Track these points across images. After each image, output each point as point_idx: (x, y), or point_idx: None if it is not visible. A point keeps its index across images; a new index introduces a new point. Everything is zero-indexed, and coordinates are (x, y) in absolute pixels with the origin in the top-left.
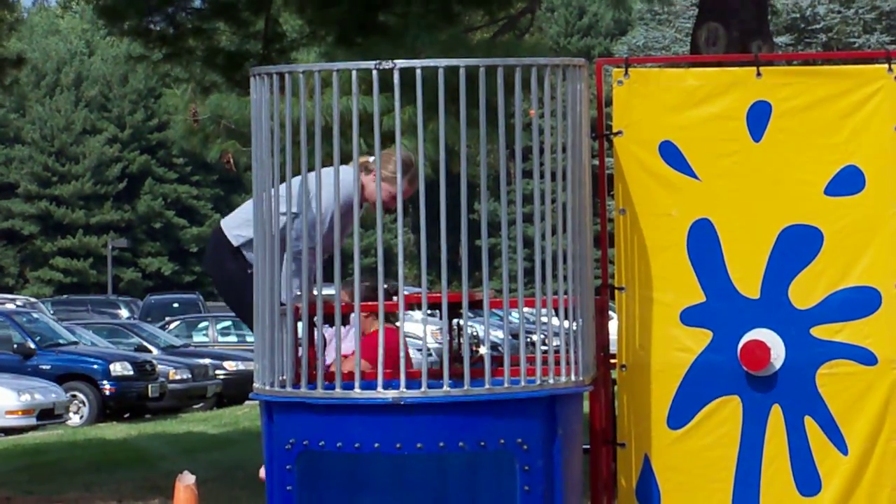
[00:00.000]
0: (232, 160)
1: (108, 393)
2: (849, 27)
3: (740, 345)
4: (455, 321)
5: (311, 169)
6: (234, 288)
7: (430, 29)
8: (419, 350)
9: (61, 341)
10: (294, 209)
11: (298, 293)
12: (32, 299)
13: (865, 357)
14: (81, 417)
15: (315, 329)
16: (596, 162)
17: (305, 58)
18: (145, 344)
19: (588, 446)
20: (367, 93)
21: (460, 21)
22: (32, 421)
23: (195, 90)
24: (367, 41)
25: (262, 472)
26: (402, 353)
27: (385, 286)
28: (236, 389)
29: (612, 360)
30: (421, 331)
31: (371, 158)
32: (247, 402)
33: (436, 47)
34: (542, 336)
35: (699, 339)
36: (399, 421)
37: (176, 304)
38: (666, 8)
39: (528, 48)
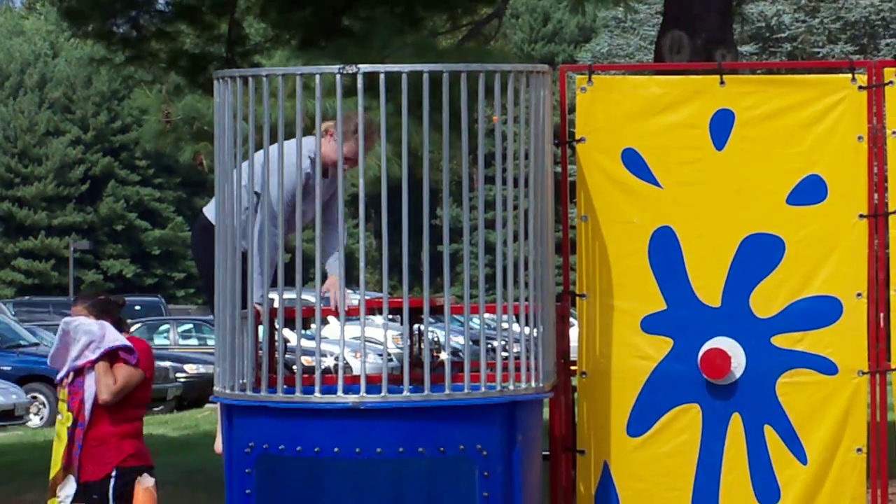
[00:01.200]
0: (204, 161)
1: None
2: (813, 37)
3: (701, 353)
4: (416, 326)
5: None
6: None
7: (394, 33)
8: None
9: (22, 342)
10: (256, 188)
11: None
12: None
13: (826, 366)
14: (42, 419)
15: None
16: (558, 168)
17: (278, 60)
18: None
19: (548, 453)
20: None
21: (424, 26)
22: None
23: (168, 91)
24: (332, 44)
25: (218, 445)
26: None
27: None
28: (197, 392)
29: (573, 367)
30: (381, 336)
31: (332, 123)
32: (207, 406)
33: (404, 52)
34: (503, 342)
35: (660, 347)
36: (359, 425)
37: (137, 307)
38: (630, 16)
39: (495, 54)
